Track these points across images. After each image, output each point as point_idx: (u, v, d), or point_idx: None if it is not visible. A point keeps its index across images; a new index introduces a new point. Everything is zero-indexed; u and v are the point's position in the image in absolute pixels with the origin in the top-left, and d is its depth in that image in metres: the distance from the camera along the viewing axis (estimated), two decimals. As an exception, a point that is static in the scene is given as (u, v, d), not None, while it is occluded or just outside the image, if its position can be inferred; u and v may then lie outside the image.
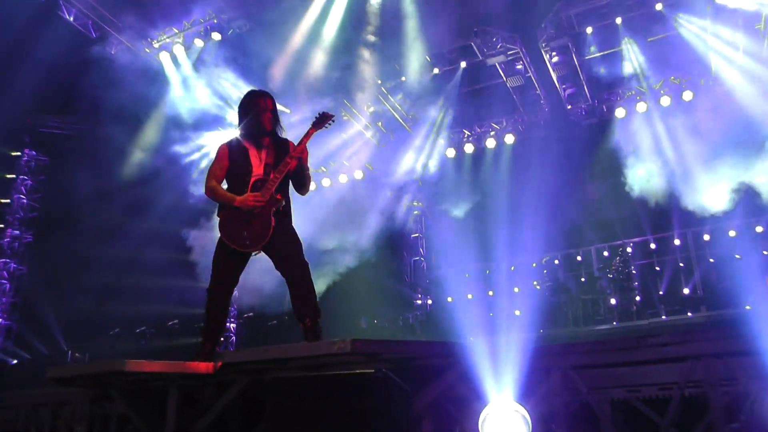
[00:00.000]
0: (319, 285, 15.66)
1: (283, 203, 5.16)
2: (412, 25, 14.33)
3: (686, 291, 13.61)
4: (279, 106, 5.56)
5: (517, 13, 13.96)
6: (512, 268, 16.93)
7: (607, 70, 15.14)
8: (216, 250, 5.20)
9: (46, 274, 16.11)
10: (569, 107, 15.96)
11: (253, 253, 5.14)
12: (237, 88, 14.73)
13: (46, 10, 13.99)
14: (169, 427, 4.53)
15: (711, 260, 13.83)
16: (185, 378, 4.63)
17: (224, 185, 5.27)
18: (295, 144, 5.24)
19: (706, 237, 14.30)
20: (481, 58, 15.30)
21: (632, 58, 14.58)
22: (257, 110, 5.25)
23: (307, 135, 5.22)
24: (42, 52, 13.92)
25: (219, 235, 5.16)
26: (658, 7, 13.50)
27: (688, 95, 14.85)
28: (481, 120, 17.82)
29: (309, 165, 5.35)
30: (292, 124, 13.72)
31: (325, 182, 18.53)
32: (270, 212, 5.04)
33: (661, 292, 13.92)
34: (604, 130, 16.13)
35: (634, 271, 14.51)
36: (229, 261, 5.14)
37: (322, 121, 5.33)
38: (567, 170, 15.49)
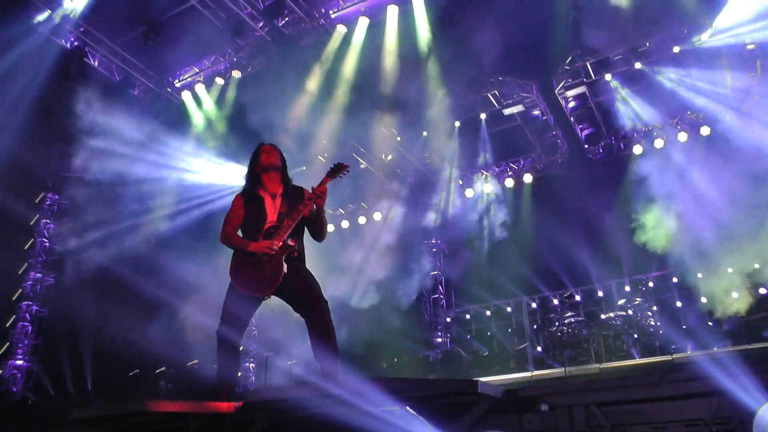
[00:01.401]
0: (339, 323, 15.64)
1: (296, 249, 5.19)
2: (430, 77, 14.55)
3: (710, 324, 13.39)
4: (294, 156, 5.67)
5: (532, 60, 14.17)
6: (533, 304, 16.79)
7: (623, 109, 15.27)
8: (227, 293, 5.24)
9: (66, 317, 16.17)
10: (587, 147, 16.09)
11: (264, 298, 5.16)
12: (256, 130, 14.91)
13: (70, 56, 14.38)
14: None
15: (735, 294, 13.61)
16: (206, 418, 4.62)
17: (239, 233, 5.34)
18: (310, 192, 5.31)
19: (730, 270, 14.07)
20: (498, 107, 15.72)
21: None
22: (269, 161, 5.40)
23: (322, 183, 5.26)
24: (67, 97, 14.26)
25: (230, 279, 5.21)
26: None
27: (705, 130, 14.94)
28: (499, 160, 18.06)
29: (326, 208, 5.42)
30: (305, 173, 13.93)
31: (344, 224, 18.79)
32: (281, 258, 5.08)
33: (684, 326, 13.70)
34: (621, 167, 16.20)
35: (655, 307, 14.34)
36: (241, 304, 5.18)
37: (336, 171, 5.37)
38: (586, 207, 15.51)
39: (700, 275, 14.46)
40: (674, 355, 12.56)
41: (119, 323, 15.45)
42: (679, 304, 14.23)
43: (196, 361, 13.54)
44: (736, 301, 13.26)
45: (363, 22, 13.87)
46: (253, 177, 5.45)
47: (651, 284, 14.80)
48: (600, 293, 15.78)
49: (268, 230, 5.18)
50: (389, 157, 17.80)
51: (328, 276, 15.19)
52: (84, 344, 15.86)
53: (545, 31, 13.30)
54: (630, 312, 14.28)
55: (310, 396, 4.18)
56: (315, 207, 5.26)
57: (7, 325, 16.05)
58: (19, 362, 15.91)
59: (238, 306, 5.17)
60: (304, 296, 5.11)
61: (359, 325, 16.56)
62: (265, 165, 5.39)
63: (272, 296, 5.19)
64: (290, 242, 5.14)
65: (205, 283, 16.64)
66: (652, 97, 14.91)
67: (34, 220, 16.97)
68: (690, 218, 14.38)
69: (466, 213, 18.33)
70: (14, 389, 15.59)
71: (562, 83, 14.78)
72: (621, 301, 14.83)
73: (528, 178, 17.48)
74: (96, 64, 14.99)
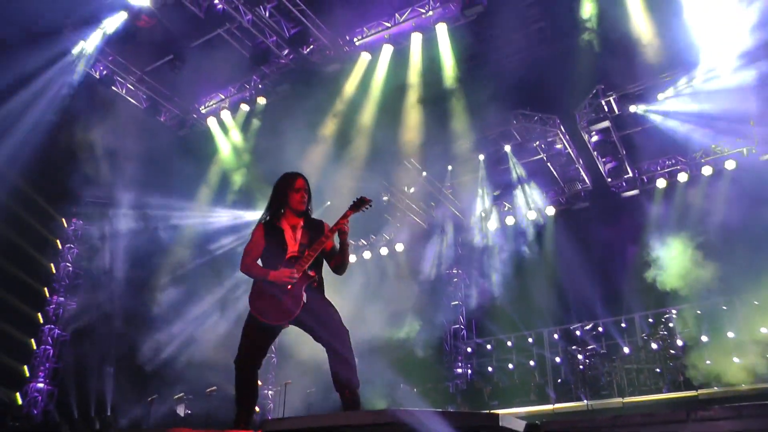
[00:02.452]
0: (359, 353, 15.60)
1: (316, 279, 5.19)
2: (454, 108, 14.59)
3: (736, 360, 13.14)
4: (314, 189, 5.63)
5: (554, 94, 14.19)
6: (555, 335, 16.64)
7: (647, 142, 15.23)
8: (246, 322, 5.22)
9: (88, 341, 16.28)
10: (609, 180, 16.05)
11: (283, 326, 5.15)
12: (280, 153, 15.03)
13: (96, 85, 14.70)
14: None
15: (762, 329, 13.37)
16: None
17: (259, 263, 5.33)
18: (330, 225, 5.31)
19: (756, 302, 13.86)
20: (521, 141, 15.78)
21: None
22: (292, 189, 5.37)
23: (344, 217, 5.25)
24: (94, 124, 14.52)
25: (249, 308, 5.20)
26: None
27: (730, 164, 14.87)
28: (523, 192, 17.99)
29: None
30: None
31: (366, 254, 18.91)
32: (301, 288, 5.07)
33: (708, 362, 13.46)
34: (646, 200, 16.20)
35: (679, 342, 14.14)
36: (259, 333, 5.15)
37: (359, 204, 5.38)
38: (610, 240, 15.45)
39: (725, 307, 14.30)
40: (699, 391, 12.35)
41: (140, 348, 15.58)
42: (705, 338, 13.98)
43: (214, 387, 13.51)
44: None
45: (387, 50, 13.93)
46: (275, 207, 5.44)
47: (675, 317, 14.64)
48: (623, 325, 15.58)
49: (289, 260, 5.17)
50: (411, 190, 17.87)
51: (350, 306, 15.19)
52: (104, 368, 15.91)
53: (568, 65, 13.31)
54: (654, 346, 14.10)
55: (330, 426, 4.13)
56: (337, 240, 5.27)
57: (30, 348, 16.18)
58: (41, 385, 16.02)
59: (256, 335, 5.15)
60: (325, 325, 5.06)
61: (378, 354, 16.49)
62: (291, 196, 5.37)
63: (291, 325, 5.17)
64: (310, 273, 5.13)
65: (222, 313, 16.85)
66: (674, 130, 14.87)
67: (59, 245, 17.16)
68: (710, 254, 14.24)
69: (488, 244, 18.32)
70: (35, 412, 15.67)
71: (585, 117, 14.72)
72: (644, 335, 14.66)
73: (551, 210, 17.42)
74: (123, 92, 15.27)
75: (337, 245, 5.35)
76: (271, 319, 5.06)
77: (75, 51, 13.93)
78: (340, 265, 5.38)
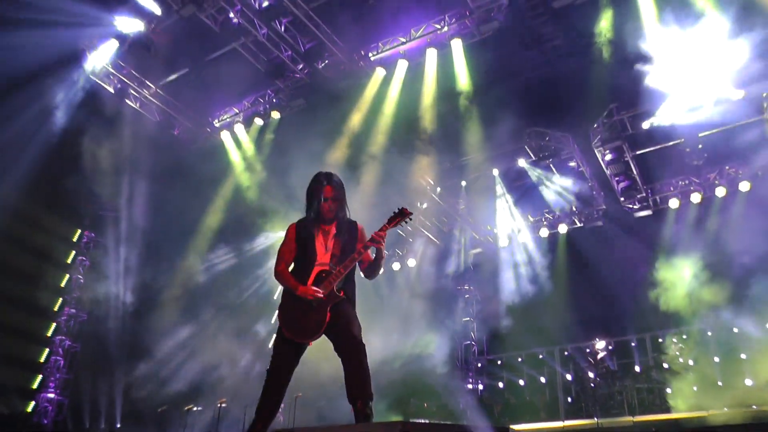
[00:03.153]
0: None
1: (342, 298, 5.14)
2: (468, 124, 14.64)
3: (748, 382, 13.06)
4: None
5: (569, 112, 14.21)
6: (566, 353, 16.59)
7: (660, 163, 15.25)
8: (276, 332, 5.27)
9: (99, 353, 16.38)
10: (622, 199, 16.04)
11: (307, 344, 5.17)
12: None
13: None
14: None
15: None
16: None
17: (291, 267, 5.34)
18: (364, 229, 5.32)
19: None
20: (534, 158, 15.82)
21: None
22: (320, 197, 5.24)
23: (382, 230, 5.15)
24: (108, 137, 14.67)
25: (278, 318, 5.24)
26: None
27: (744, 186, 14.86)
28: (535, 210, 18.11)
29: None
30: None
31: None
32: (327, 307, 5.06)
33: (720, 383, 13.39)
34: (658, 220, 16.20)
35: (690, 362, 14.06)
36: (286, 345, 5.16)
37: (399, 217, 5.26)
38: (622, 259, 15.43)
39: (735, 330, 14.22)
40: (710, 412, 12.28)
41: (151, 360, 15.64)
42: (716, 359, 13.90)
43: (224, 399, 13.53)
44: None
45: (402, 65, 13.98)
46: (309, 208, 5.32)
47: (685, 337, 14.58)
48: (633, 344, 15.52)
49: (319, 274, 5.15)
50: (424, 205, 17.93)
51: (361, 320, 15.23)
52: (115, 380, 15.98)
53: (583, 83, 13.32)
54: (665, 365, 14.04)
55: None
56: (373, 252, 5.26)
57: (41, 359, 16.29)
58: (51, 395, 16.09)
59: (282, 347, 5.17)
60: (345, 337, 5.05)
61: (389, 369, 16.49)
62: (324, 198, 5.24)
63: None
64: (339, 293, 5.11)
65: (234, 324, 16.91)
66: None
67: (70, 257, 17.28)
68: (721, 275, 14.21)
69: (501, 261, 18.32)
70: (45, 422, 15.74)
71: (599, 136, 14.71)
72: (655, 354, 14.60)
73: (563, 228, 17.43)
74: (138, 105, 15.38)
75: (373, 254, 5.31)
76: (295, 335, 5.09)
77: (87, 65, 14.09)
78: (372, 272, 5.35)
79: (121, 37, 13.60)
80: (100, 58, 14.06)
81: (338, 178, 5.38)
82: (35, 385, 16.07)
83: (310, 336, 5.06)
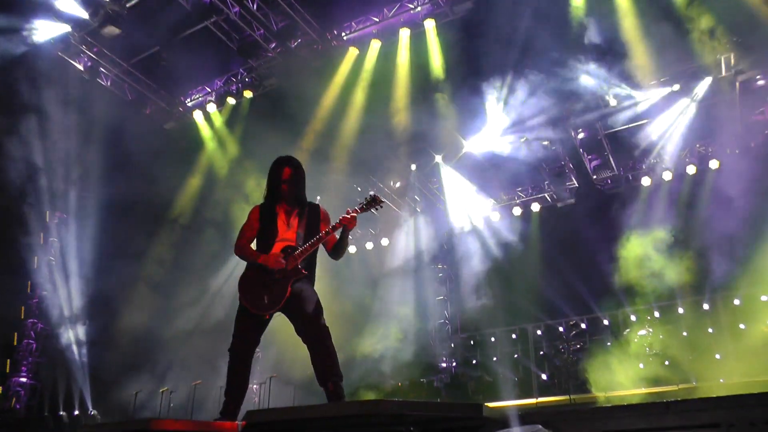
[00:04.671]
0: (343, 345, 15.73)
1: (305, 274, 5.23)
2: (441, 103, 14.60)
3: (717, 356, 13.31)
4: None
5: (540, 87, 14.19)
6: (538, 331, 16.74)
7: (632, 140, 15.41)
8: (238, 309, 5.28)
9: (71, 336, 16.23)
10: (595, 177, 16.15)
11: (268, 317, 5.21)
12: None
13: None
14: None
15: (741, 326, 13.56)
16: None
17: (254, 246, 5.37)
18: (326, 211, 5.48)
19: (736, 301, 14.08)
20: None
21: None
22: (279, 179, 5.40)
23: (352, 217, 5.29)
24: (84, 119, 14.47)
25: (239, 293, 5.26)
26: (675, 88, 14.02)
27: (714, 164, 15.06)
28: (508, 188, 18.19)
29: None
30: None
31: (351, 249, 18.97)
32: (289, 281, 5.12)
33: (690, 357, 13.62)
34: (630, 198, 16.28)
35: (660, 336, 14.27)
36: (248, 321, 5.21)
37: (370, 204, 5.44)
38: (594, 237, 15.58)
39: (706, 306, 14.47)
40: (680, 386, 12.49)
41: (124, 342, 15.54)
42: (684, 333, 14.14)
43: (199, 380, 13.53)
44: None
45: (375, 45, 13.93)
46: (270, 191, 5.47)
47: (657, 315, 14.77)
48: (605, 322, 15.69)
49: (285, 249, 5.21)
50: (398, 184, 17.96)
51: (335, 300, 15.24)
52: (88, 363, 15.85)
53: (554, 64, 13.35)
54: (636, 341, 14.22)
55: (317, 417, 4.18)
56: (338, 233, 5.36)
57: (13, 342, 16.07)
58: (23, 379, 15.92)
59: (246, 323, 5.21)
60: (308, 319, 5.12)
61: (361, 349, 16.58)
62: (283, 179, 5.40)
63: (281, 314, 5.23)
64: (302, 271, 5.19)
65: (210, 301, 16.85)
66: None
67: (41, 239, 16.99)
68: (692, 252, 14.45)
69: (474, 240, 18.39)
70: (17, 406, 15.59)
71: (572, 115, 14.75)
72: (625, 332, 14.77)
73: (536, 207, 17.57)
74: (108, 84, 15.17)
75: (338, 235, 5.40)
76: (255, 307, 5.13)
77: (60, 40, 13.86)
78: (338, 252, 5.46)
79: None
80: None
81: (297, 161, 5.55)
82: (6, 369, 15.87)
83: (269, 308, 5.11)
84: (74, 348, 16.10)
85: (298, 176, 5.46)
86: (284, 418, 4.30)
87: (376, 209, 5.45)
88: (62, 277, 16.63)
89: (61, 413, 15.63)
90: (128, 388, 14.88)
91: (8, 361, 15.94)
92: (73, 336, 16.18)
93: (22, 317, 16.40)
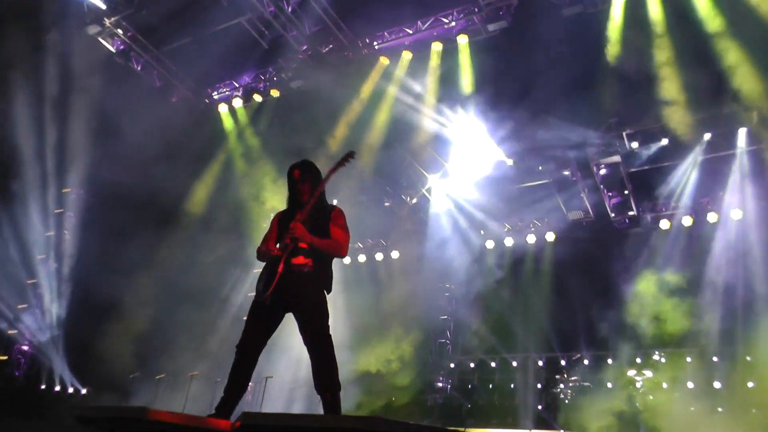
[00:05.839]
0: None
1: (308, 265, 5.20)
2: (467, 121, 14.64)
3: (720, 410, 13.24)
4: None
5: (568, 120, 14.19)
6: (540, 362, 16.71)
7: (655, 181, 15.44)
8: (249, 308, 5.33)
9: (80, 309, 16.27)
10: (613, 215, 16.12)
11: (266, 301, 5.15)
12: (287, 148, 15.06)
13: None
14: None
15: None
16: None
17: None
18: (341, 212, 5.46)
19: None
20: (531, 163, 15.84)
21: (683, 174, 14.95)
22: (293, 181, 5.50)
23: (326, 178, 5.39)
24: (111, 99, 14.60)
25: None
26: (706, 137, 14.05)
27: (737, 214, 14.93)
28: (524, 215, 18.14)
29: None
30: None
31: (361, 258, 18.98)
32: (282, 259, 5.14)
33: (692, 409, 13.55)
34: (646, 240, 16.27)
35: (665, 384, 14.21)
36: (258, 319, 5.22)
37: (342, 161, 5.52)
38: (607, 273, 15.55)
39: (716, 359, 14.39)
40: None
41: (131, 322, 15.56)
42: (690, 384, 14.07)
43: (197, 372, 13.59)
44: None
45: (406, 56, 13.97)
46: (290, 196, 5.57)
47: (663, 360, 14.71)
48: (609, 361, 15.63)
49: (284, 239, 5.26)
50: (414, 200, 17.99)
51: (339, 309, 15.31)
52: (92, 341, 15.84)
53: (585, 93, 13.35)
54: (637, 385, 14.17)
55: (312, 427, 4.20)
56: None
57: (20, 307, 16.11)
58: (25, 348, 15.99)
59: (255, 320, 5.23)
60: (312, 328, 5.11)
61: (361, 360, 16.59)
62: (295, 179, 5.48)
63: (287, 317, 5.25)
64: (304, 259, 5.19)
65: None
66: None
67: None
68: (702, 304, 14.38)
69: (484, 263, 18.39)
70: (17, 373, 15.69)
71: (596, 148, 14.75)
72: (630, 373, 14.70)
73: (551, 236, 17.53)
74: (139, 68, 15.33)
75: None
76: (257, 294, 5.19)
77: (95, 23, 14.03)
78: (325, 248, 5.32)
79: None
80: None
81: (308, 161, 5.63)
82: (13, 337, 15.89)
83: (266, 290, 5.10)
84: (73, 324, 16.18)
85: (307, 175, 5.49)
86: (279, 425, 4.32)
87: (348, 162, 5.53)
88: (72, 252, 16.79)
89: (57, 389, 15.74)
90: (125, 370, 14.97)
91: (15, 330, 15.96)
92: (71, 311, 16.25)
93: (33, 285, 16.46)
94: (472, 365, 18.26)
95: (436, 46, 13.68)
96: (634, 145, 14.44)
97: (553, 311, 16.44)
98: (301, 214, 5.29)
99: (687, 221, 15.68)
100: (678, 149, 14.45)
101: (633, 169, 15.41)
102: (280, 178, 14.39)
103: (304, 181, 5.45)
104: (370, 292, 18.17)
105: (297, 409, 15.51)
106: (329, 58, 14.21)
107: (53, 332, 16.25)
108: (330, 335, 5.13)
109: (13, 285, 15.66)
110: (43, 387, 15.82)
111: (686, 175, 15.01)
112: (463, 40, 13.30)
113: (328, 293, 5.33)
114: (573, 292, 15.76)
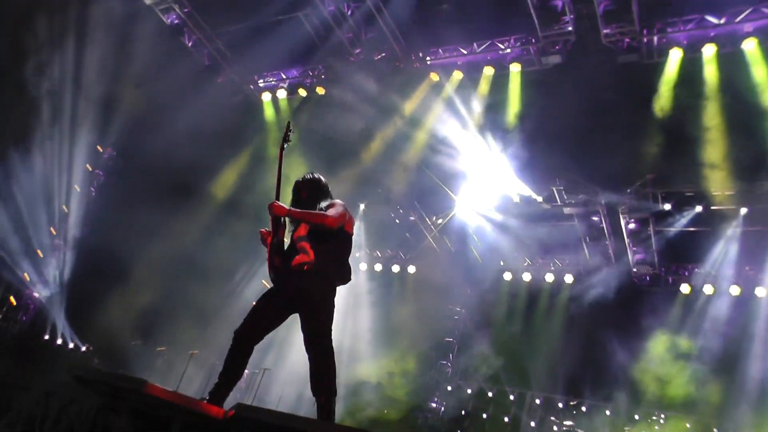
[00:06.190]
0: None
1: (301, 249, 5.24)
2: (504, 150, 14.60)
3: None
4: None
5: (606, 165, 14.07)
6: (537, 400, 16.60)
7: (683, 246, 15.32)
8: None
9: (92, 269, 16.39)
10: (635, 270, 15.95)
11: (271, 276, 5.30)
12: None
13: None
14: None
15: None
16: (193, 416, 4.61)
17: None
18: (333, 205, 5.40)
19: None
20: (560, 203, 15.64)
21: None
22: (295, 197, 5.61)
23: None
24: (158, 70, 14.76)
25: None
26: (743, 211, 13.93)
27: (761, 292, 14.72)
28: (545, 253, 18.07)
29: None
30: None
31: (377, 267, 18.96)
32: (270, 235, 5.36)
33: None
34: (664, 301, 16.08)
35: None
36: (263, 309, 5.24)
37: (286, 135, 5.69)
38: (623, 327, 15.40)
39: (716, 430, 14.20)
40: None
41: (141, 290, 15.66)
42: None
43: (197, 351, 13.68)
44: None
45: (456, 76, 13.92)
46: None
47: (662, 422, 14.56)
48: (608, 412, 15.48)
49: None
50: (439, 221, 17.99)
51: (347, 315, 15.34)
52: (99, 302, 15.94)
53: (627, 142, 13.25)
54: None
55: (299, 429, 4.22)
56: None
57: (37, 257, 16.26)
58: (36, 294, 16.14)
59: (258, 308, 5.25)
60: (311, 330, 5.08)
61: (361, 370, 16.59)
62: (298, 196, 5.59)
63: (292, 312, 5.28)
64: (304, 246, 5.24)
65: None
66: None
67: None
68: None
69: (499, 292, 18.33)
70: (24, 318, 15.84)
71: (628, 201, 14.63)
72: (626, 428, 14.56)
73: (569, 278, 17.46)
74: (190, 44, 15.49)
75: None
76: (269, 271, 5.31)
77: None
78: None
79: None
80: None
81: (311, 175, 5.69)
82: (25, 282, 16.01)
83: (270, 267, 5.27)
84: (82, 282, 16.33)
85: (307, 188, 5.58)
86: (272, 422, 4.33)
87: (290, 133, 5.71)
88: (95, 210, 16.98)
89: (59, 342, 15.88)
90: (127, 336, 15.08)
91: (25, 274, 16.10)
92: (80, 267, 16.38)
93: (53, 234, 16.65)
94: (469, 391, 18.17)
95: (488, 71, 13.62)
96: (667, 206, 14.31)
97: (560, 352, 16.32)
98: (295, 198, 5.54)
99: (708, 290, 15.49)
100: (712, 217, 14.29)
101: (662, 229, 15.29)
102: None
103: (306, 195, 5.54)
104: (382, 303, 18.19)
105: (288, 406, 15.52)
106: (380, 65, 14.24)
107: (63, 286, 16.39)
108: (330, 338, 5.09)
109: (33, 231, 15.76)
110: (46, 338, 15.95)
111: (719, 248, 14.83)
112: (515, 68, 13.24)
113: (344, 283, 5.31)
114: (583, 338, 15.69)
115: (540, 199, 15.60)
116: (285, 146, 5.65)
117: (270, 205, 5.28)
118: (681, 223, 14.75)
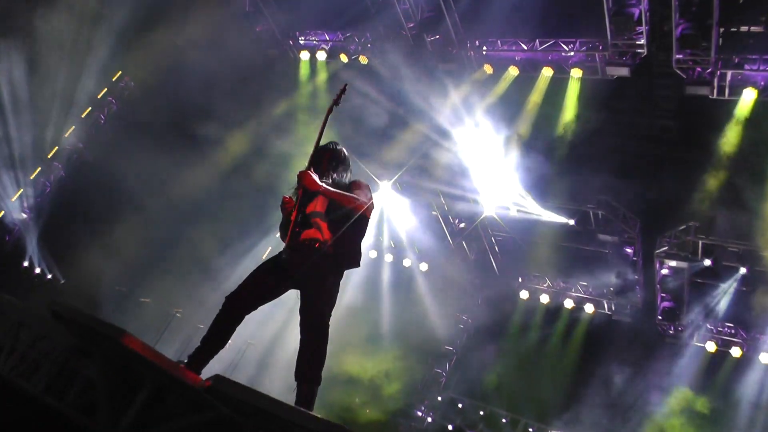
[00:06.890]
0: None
1: (315, 223, 5.16)
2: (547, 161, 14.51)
3: None
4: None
5: (649, 198, 13.90)
6: (530, 429, 16.56)
7: (715, 299, 15.05)
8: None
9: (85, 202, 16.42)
10: (660, 318, 15.80)
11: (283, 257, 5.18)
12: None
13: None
14: (127, 417, 4.51)
15: None
16: (167, 378, 4.61)
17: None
18: (357, 182, 5.40)
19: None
20: (594, 227, 15.49)
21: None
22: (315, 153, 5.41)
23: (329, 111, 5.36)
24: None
25: None
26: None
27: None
28: (569, 277, 17.92)
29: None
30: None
31: (388, 257, 18.91)
32: (296, 207, 5.16)
33: None
34: (687, 353, 15.85)
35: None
36: (261, 277, 5.19)
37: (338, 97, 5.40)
38: (634, 371, 15.29)
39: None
40: None
41: (133, 235, 15.70)
42: None
43: (181, 309, 13.74)
44: None
45: (512, 72, 13.85)
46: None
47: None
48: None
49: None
50: (462, 225, 17.92)
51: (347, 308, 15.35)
52: (88, 239, 15.97)
53: (676, 179, 13.08)
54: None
55: (279, 415, 4.22)
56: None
57: (31, 176, 16.32)
58: (24, 215, 16.20)
59: (256, 279, 5.20)
60: (307, 315, 5.04)
61: (352, 366, 16.62)
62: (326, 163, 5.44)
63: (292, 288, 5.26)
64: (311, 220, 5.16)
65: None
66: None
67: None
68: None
69: (509, 308, 18.28)
70: (8, 238, 15.93)
71: (665, 247, 14.39)
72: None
73: (589, 307, 17.35)
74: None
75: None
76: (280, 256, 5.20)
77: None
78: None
79: None
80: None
81: (333, 145, 5.53)
82: (13, 198, 16.10)
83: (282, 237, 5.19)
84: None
85: (331, 158, 5.45)
86: (247, 400, 4.32)
87: (343, 94, 5.39)
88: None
89: (37, 271, 15.97)
90: (112, 280, 15.13)
91: (20, 191, 16.19)
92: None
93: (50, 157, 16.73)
94: (459, 406, 18.14)
95: (547, 71, 13.50)
96: (707, 262, 14.05)
97: (563, 384, 16.24)
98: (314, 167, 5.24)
99: (736, 352, 15.23)
100: (753, 279, 14.06)
101: (698, 281, 15.02)
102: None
103: (330, 165, 5.40)
104: (388, 296, 18.17)
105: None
106: (430, 47, 14.12)
107: (40, 211, 16.45)
108: (328, 325, 5.04)
109: (33, 147, 15.77)
110: (25, 264, 16.04)
111: (756, 311, 14.63)
112: (576, 73, 13.13)
113: (353, 267, 5.27)
114: (591, 373, 15.59)
115: (572, 222, 15.49)
116: (333, 109, 5.39)
117: (302, 173, 5.12)
118: (722, 286, 14.59)
